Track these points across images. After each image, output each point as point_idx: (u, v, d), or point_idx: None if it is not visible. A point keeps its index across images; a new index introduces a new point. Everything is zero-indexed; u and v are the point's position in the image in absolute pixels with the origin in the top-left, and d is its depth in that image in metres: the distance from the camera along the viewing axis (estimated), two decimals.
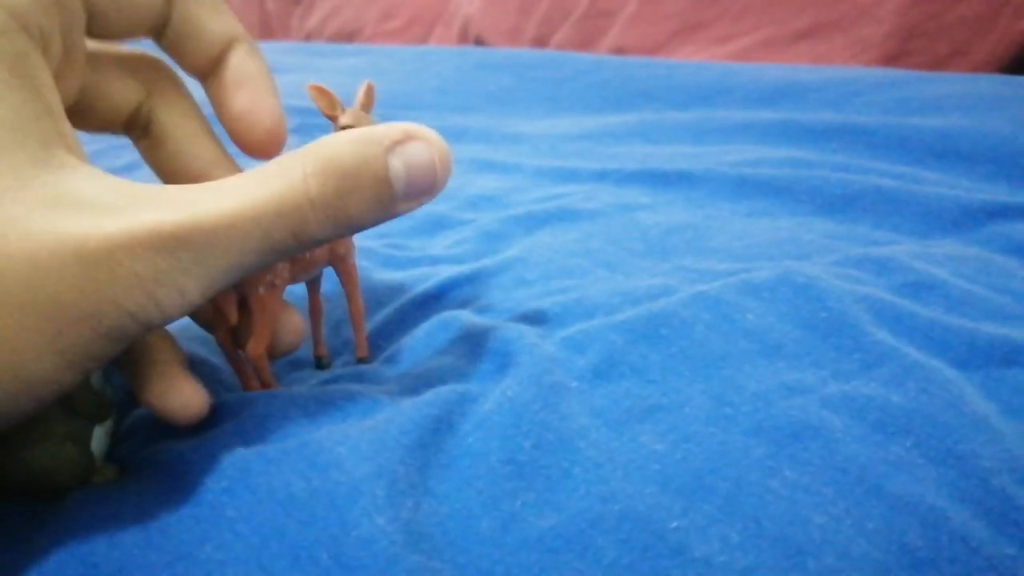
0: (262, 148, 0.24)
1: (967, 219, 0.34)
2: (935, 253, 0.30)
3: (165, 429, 0.24)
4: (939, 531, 0.17)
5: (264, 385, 0.24)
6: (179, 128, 0.24)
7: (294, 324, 0.25)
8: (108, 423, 0.21)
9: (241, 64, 0.24)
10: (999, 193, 0.36)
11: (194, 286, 0.17)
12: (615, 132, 0.59)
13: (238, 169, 0.25)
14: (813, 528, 0.18)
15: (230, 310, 0.22)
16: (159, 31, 0.23)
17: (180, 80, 0.25)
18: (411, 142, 0.19)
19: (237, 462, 0.20)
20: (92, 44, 0.23)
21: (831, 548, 0.17)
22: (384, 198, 0.19)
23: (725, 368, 0.24)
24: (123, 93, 0.24)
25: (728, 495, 0.19)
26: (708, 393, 0.23)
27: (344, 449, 0.20)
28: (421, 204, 0.20)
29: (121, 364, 0.22)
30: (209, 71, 0.24)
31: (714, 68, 0.70)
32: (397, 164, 0.19)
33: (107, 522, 0.19)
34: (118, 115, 0.24)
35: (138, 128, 0.24)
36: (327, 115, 0.25)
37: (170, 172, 0.25)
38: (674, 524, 0.18)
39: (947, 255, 0.30)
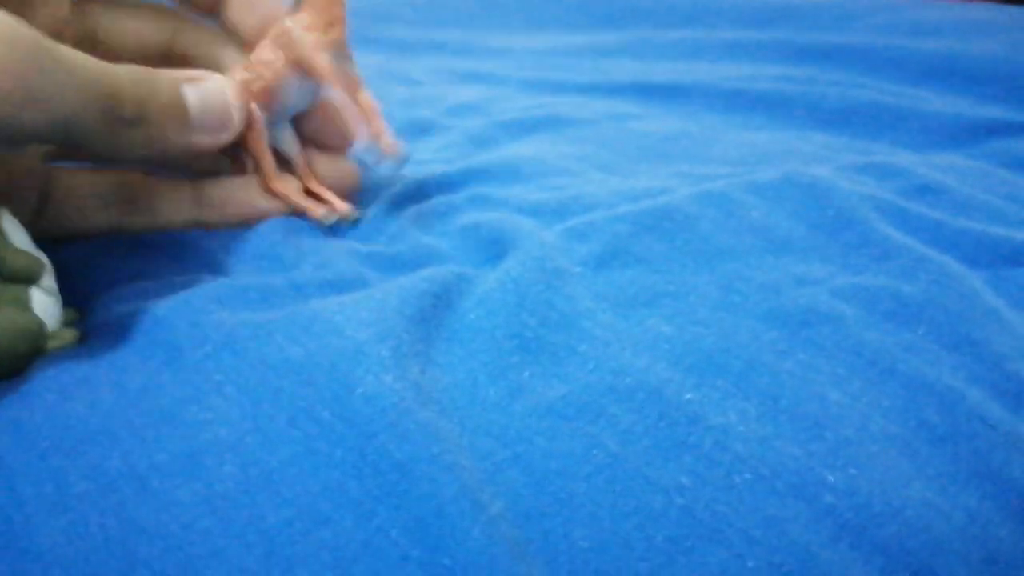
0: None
1: (967, 134, 0.34)
2: (938, 163, 0.30)
3: (134, 292, 0.22)
4: (956, 409, 0.17)
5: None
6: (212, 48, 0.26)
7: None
8: (46, 284, 0.20)
9: None
10: (999, 111, 0.35)
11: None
12: (602, 48, 0.57)
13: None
14: (830, 404, 0.17)
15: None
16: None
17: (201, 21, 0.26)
18: (206, 80, 0.22)
19: (219, 327, 0.19)
20: None
21: (849, 423, 0.17)
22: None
23: (731, 260, 0.23)
24: (147, 32, 0.25)
25: (741, 373, 0.18)
26: (715, 283, 0.22)
27: (341, 317, 0.18)
28: (218, 140, 0.23)
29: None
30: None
31: None
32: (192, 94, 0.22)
33: (80, 386, 0.18)
34: (145, 52, 0.25)
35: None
36: None
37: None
38: (688, 396, 0.17)
39: (949, 165, 0.30)
